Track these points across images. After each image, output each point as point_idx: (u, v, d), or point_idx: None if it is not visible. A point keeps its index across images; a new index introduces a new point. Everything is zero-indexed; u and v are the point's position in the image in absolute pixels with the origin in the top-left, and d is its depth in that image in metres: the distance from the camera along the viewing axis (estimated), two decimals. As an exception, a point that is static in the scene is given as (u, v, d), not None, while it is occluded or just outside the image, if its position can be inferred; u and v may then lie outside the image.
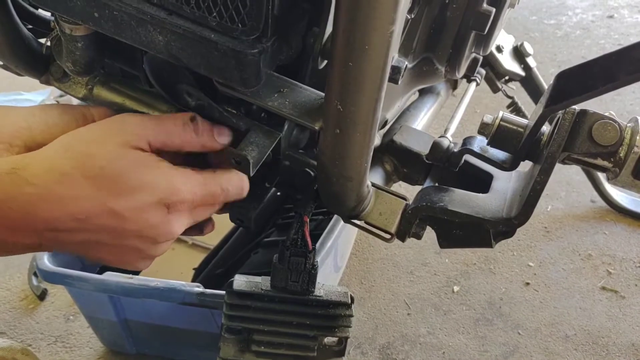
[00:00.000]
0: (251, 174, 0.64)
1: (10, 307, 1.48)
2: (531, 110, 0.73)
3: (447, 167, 0.77)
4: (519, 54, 1.32)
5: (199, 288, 1.07)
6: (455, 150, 0.76)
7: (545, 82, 1.31)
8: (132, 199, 0.57)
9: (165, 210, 0.59)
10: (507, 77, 1.31)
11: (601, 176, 1.63)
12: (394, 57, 0.58)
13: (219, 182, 0.63)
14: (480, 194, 0.73)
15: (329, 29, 0.58)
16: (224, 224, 0.75)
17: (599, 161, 0.63)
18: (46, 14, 0.81)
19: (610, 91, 0.57)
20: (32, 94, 2.23)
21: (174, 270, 1.50)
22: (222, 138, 0.65)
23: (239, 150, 0.63)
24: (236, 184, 0.66)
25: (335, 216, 1.18)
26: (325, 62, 0.61)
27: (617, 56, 0.58)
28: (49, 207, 0.54)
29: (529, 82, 1.36)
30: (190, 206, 0.61)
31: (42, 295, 1.49)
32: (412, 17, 0.73)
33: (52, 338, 1.40)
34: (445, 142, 0.77)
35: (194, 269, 1.48)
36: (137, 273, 1.45)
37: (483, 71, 1.19)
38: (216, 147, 0.65)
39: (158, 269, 1.49)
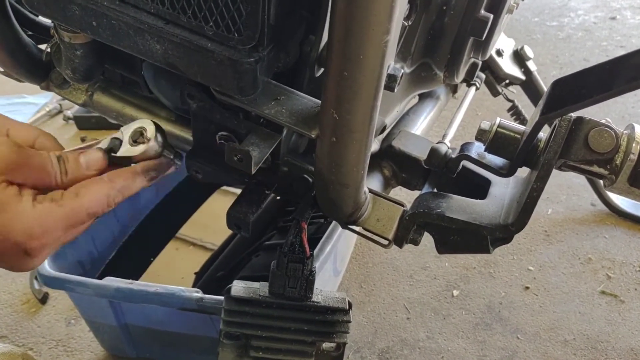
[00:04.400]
0: (252, 172, 0.64)
1: (11, 310, 1.48)
2: (532, 113, 0.73)
3: (445, 172, 0.77)
4: (519, 57, 1.32)
5: (197, 294, 1.07)
6: (453, 156, 0.76)
7: (546, 84, 1.31)
8: None
9: (23, 254, 0.57)
10: (507, 81, 1.31)
11: (600, 181, 1.63)
12: (390, 65, 0.58)
13: (84, 208, 0.59)
14: (478, 200, 0.73)
15: (326, 37, 0.58)
16: (225, 226, 0.75)
17: (595, 168, 0.63)
18: (46, 20, 0.81)
19: (605, 100, 0.57)
20: (35, 97, 2.24)
21: (175, 274, 1.51)
22: (92, 164, 0.62)
23: (242, 147, 0.64)
24: (102, 201, 0.61)
25: (335, 220, 1.18)
26: (322, 70, 0.61)
27: (612, 65, 0.58)
28: None
29: (530, 86, 1.36)
30: (55, 241, 0.58)
31: (43, 299, 1.49)
32: (410, 23, 0.74)
33: (53, 342, 1.41)
34: (443, 148, 0.77)
35: (195, 273, 1.49)
36: (138, 277, 1.46)
37: (483, 75, 1.19)
38: (88, 177, 0.62)
39: (160, 273, 1.50)
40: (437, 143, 0.79)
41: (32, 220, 0.56)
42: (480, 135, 0.71)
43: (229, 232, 1.55)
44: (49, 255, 0.60)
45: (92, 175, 0.62)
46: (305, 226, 0.71)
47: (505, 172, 0.71)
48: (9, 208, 0.55)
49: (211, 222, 1.62)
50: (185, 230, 1.62)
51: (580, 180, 1.76)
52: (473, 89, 1.08)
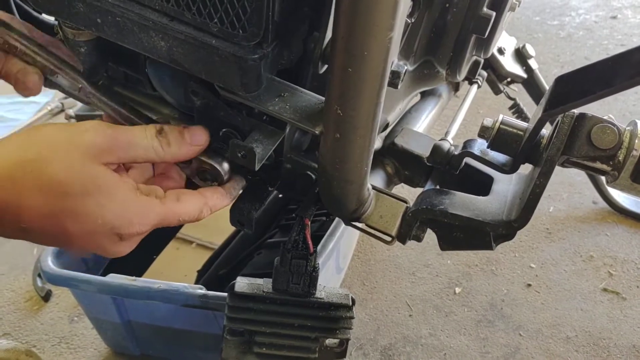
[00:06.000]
0: (256, 168, 0.64)
1: (15, 308, 1.48)
2: (533, 111, 0.73)
3: (447, 169, 0.77)
4: (520, 56, 1.32)
5: (201, 290, 1.07)
6: (456, 153, 0.76)
7: (548, 83, 1.31)
8: (85, 224, 0.55)
9: (117, 238, 0.58)
10: (509, 79, 1.31)
11: (603, 178, 1.63)
12: (393, 61, 0.59)
13: (179, 214, 0.61)
14: (481, 197, 0.73)
15: (329, 34, 0.59)
16: (227, 225, 0.75)
17: (598, 164, 0.63)
18: (50, 18, 0.81)
19: (608, 96, 0.57)
20: (37, 96, 2.24)
21: (178, 272, 1.51)
22: (195, 139, 0.63)
23: (246, 143, 0.64)
24: (194, 214, 0.63)
25: (338, 218, 1.19)
26: (326, 66, 0.61)
27: (614, 61, 0.59)
28: None
29: (531, 84, 1.36)
30: (143, 233, 0.60)
31: (46, 297, 1.50)
32: (413, 21, 0.74)
33: (57, 339, 1.41)
34: (445, 145, 0.77)
35: (197, 271, 1.49)
36: (140, 274, 1.46)
37: (485, 73, 1.19)
38: (190, 153, 0.63)
39: (163, 271, 1.51)
40: (439, 140, 0.79)
41: (134, 209, 0.57)
42: (483, 132, 0.71)
43: (230, 231, 1.56)
44: (135, 245, 0.61)
45: (194, 151, 0.63)
46: (309, 223, 0.72)
47: (508, 168, 0.71)
48: (112, 193, 0.56)
49: (211, 221, 1.62)
50: (186, 230, 1.62)
51: (581, 178, 1.77)
52: (475, 87, 1.08)
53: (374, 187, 0.74)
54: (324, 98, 0.58)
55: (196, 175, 0.68)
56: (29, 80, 0.68)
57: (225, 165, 0.68)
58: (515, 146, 0.69)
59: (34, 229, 0.55)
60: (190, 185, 0.69)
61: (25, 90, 0.69)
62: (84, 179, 0.55)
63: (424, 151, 0.82)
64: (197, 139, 0.64)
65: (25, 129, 0.58)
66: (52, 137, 0.56)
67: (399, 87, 0.59)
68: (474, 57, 0.91)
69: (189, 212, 0.62)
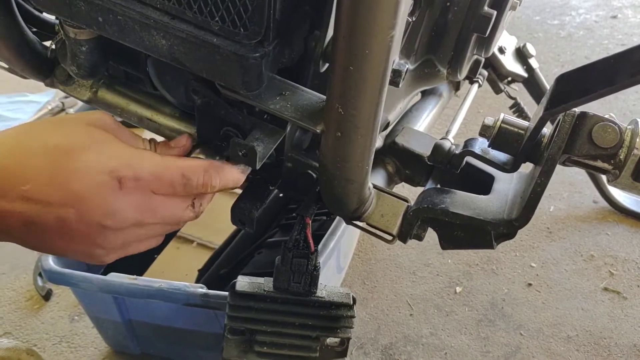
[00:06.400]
0: (257, 167, 0.64)
1: (15, 307, 1.48)
2: (534, 110, 0.73)
3: (448, 168, 0.78)
4: (521, 55, 1.32)
5: (202, 289, 1.07)
6: (457, 152, 0.76)
7: (548, 82, 1.31)
8: (87, 174, 0.56)
9: (117, 185, 0.56)
10: (509, 79, 1.31)
11: (603, 177, 1.63)
12: (394, 60, 0.59)
13: (180, 167, 0.60)
14: (482, 196, 0.73)
15: (331, 32, 0.59)
16: (227, 224, 0.75)
17: (599, 163, 0.63)
18: (51, 17, 0.81)
19: (609, 95, 0.57)
20: (37, 96, 2.24)
21: (178, 272, 1.51)
22: (179, 141, 0.68)
23: (247, 142, 0.64)
24: (199, 171, 0.61)
25: (338, 217, 1.19)
26: (327, 65, 0.61)
27: (615, 60, 0.59)
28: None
29: (532, 84, 1.36)
30: (145, 186, 0.58)
31: (47, 296, 1.50)
32: (414, 20, 0.74)
33: (57, 338, 1.41)
34: (446, 144, 0.77)
35: (198, 270, 1.49)
36: (141, 273, 1.46)
37: (485, 72, 1.19)
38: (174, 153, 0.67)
39: (163, 270, 1.51)
40: (440, 139, 0.79)
41: (133, 152, 0.59)
42: (484, 131, 0.71)
43: (230, 231, 1.55)
44: (139, 209, 0.60)
45: (178, 153, 0.67)
46: (310, 222, 0.72)
47: (509, 167, 0.71)
48: (110, 142, 0.59)
49: (212, 221, 1.62)
50: (186, 229, 1.62)
51: (582, 177, 1.76)
52: (475, 86, 1.08)
53: (375, 186, 0.74)
54: (325, 97, 0.58)
55: None
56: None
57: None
58: (516, 145, 0.69)
59: (36, 194, 0.54)
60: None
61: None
62: (81, 138, 0.57)
63: (425, 150, 0.82)
64: (177, 142, 0.67)
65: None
66: (59, 118, 0.62)
67: (400, 86, 0.59)
68: (475, 56, 0.91)
69: (192, 167, 0.61)
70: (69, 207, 0.55)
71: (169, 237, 1.60)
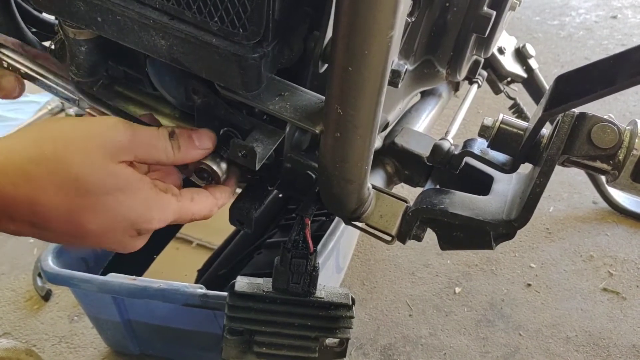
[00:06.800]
0: (257, 168, 0.64)
1: (15, 307, 1.48)
2: (533, 111, 0.73)
3: (447, 169, 0.78)
4: (521, 55, 1.32)
5: (201, 290, 1.08)
6: (456, 152, 0.76)
7: (548, 83, 1.31)
8: (104, 221, 0.55)
9: (135, 234, 0.59)
10: (509, 79, 1.31)
11: (602, 178, 1.63)
12: (393, 61, 0.59)
13: (192, 213, 0.63)
14: (481, 196, 0.73)
15: (330, 33, 0.59)
16: (227, 225, 0.75)
17: (598, 164, 0.63)
18: (50, 17, 0.81)
19: (608, 95, 0.57)
20: (37, 96, 2.24)
21: (178, 272, 1.51)
22: (203, 142, 0.64)
23: (246, 143, 0.64)
24: (205, 213, 0.65)
25: (337, 218, 1.19)
26: (326, 65, 0.61)
27: (615, 61, 0.59)
28: (5, 202, 0.52)
29: (531, 84, 1.36)
30: (158, 228, 0.61)
31: (46, 296, 1.50)
32: (413, 20, 0.74)
33: (57, 338, 1.41)
34: (445, 145, 0.77)
35: (198, 270, 1.49)
36: (140, 274, 1.46)
37: (485, 73, 1.19)
38: (197, 157, 0.65)
39: (163, 271, 1.51)
40: (439, 140, 0.79)
41: (155, 206, 0.58)
42: (483, 131, 0.71)
43: (230, 231, 1.56)
44: (147, 240, 0.62)
45: (201, 155, 0.65)
46: (309, 222, 0.72)
47: (508, 168, 0.71)
48: (132, 190, 0.56)
49: (212, 221, 1.62)
50: (185, 230, 1.62)
51: (581, 178, 1.77)
52: (475, 86, 1.08)
53: (374, 187, 0.74)
54: (324, 97, 0.58)
55: (193, 174, 0.69)
56: (4, 81, 0.72)
57: (223, 165, 0.68)
58: (515, 146, 0.69)
59: (48, 226, 0.54)
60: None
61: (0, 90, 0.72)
62: (103, 177, 0.54)
63: (424, 151, 0.82)
64: (204, 143, 0.64)
65: (37, 123, 0.58)
66: (68, 133, 0.55)
67: (399, 86, 0.59)
68: (474, 57, 0.91)
69: (201, 210, 0.64)
70: (83, 239, 0.57)
71: (168, 238, 1.60)
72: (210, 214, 0.66)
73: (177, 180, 0.68)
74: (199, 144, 0.64)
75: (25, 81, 0.84)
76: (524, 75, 1.31)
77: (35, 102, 2.22)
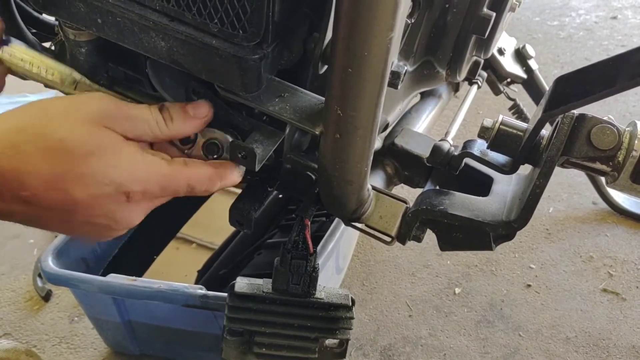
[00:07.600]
0: (256, 169, 0.64)
1: (15, 308, 1.48)
2: (533, 112, 0.73)
3: (447, 170, 0.78)
4: (520, 56, 1.32)
5: (201, 290, 1.08)
6: (456, 153, 0.76)
7: (548, 84, 1.31)
8: (90, 186, 0.54)
9: (124, 198, 0.56)
10: (509, 80, 1.31)
11: (602, 179, 1.62)
12: (393, 62, 0.59)
13: (187, 177, 0.60)
14: (481, 197, 0.73)
15: (330, 34, 0.59)
16: (227, 225, 0.75)
17: (598, 165, 0.63)
18: (50, 18, 0.81)
19: (608, 96, 0.57)
20: (37, 96, 2.24)
21: (178, 272, 1.51)
22: (198, 111, 0.62)
23: (246, 144, 0.64)
24: (204, 180, 0.61)
25: (337, 218, 1.19)
26: (326, 67, 0.62)
27: (615, 62, 0.59)
28: None
29: (531, 85, 1.36)
30: (151, 197, 0.58)
31: (46, 297, 1.50)
32: (413, 21, 0.74)
33: (57, 339, 1.41)
34: (445, 146, 0.78)
35: (198, 271, 1.49)
36: (141, 274, 1.46)
37: (485, 74, 1.19)
38: (194, 127, 0.62)
39: (163, 271, 1.51)
40: (439, 141, 0.80)
41: (140, 166, 0.56)
42: (483, 132, 0.71)
43: (230, 231, 1.56)
44: (144, 213, 0.60)
45: (199, 124, 0.62)
46: (309, 223, 0.72)
47: (508, 169, 0.71)
48: (116, 151, 0.55)
49: (212, 221, 1.62)
50: (186, 230, 1.62)
51: (581, 178, 1.77)
52: (475, 87, 1.08)
53: (373, 188, 0.74)
54: (324, 98, 0.58)
55: (202, 151, 0.66)
56: None
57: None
58: (515, 147, 0.69)
59: (36, 200, 0.53)
60: None
61: None
62: (86, 140, 0.54)
63: (424, 151, 0.82)
64: (199, 112, 0.62)
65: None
66: (55, 105, 0.56)
67: (399, 87, 0.59)
68: (474, 58, 0.91)
69: (198, 176, 0.61)
70: (73, 213, 0.55)
71: (168, 238, 1.61)
72: (211, 185, 0.62)
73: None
74: (193, 114, 0.61)
75: (25, 80, 0.84)
76: (524, 76, 1.31)
77: (35, 102, 2.22)
